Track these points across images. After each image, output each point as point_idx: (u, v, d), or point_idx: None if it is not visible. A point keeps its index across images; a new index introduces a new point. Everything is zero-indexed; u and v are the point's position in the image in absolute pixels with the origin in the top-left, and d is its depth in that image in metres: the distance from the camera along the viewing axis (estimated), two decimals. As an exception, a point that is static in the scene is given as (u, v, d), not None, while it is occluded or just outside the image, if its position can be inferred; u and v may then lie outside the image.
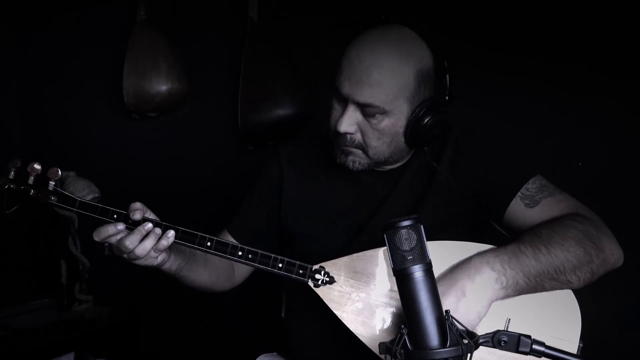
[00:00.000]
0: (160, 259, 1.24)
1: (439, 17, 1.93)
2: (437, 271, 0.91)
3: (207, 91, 2.28)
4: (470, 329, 1.06)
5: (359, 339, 1.19)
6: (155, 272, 1.37)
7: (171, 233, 1.21)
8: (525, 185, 1.27)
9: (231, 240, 1.43)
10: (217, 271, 1.43)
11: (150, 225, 1.21)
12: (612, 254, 1.19)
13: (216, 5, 2.26)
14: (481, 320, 1.13)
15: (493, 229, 1.34)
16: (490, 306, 1.13)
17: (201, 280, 1.40)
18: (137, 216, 1.21)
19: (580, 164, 1.85)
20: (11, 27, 2.44)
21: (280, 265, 1.24)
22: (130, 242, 1.18)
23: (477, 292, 1.11)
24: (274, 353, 1.53)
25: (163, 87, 2.15)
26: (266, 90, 2.08)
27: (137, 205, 1.22)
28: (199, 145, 2.31)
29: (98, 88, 2.38)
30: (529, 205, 1.26)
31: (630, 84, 1.80)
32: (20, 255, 2.41)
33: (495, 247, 1.18)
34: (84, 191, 2.04)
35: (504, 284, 1.12)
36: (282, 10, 2.17)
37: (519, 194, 1.26)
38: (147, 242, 1.19)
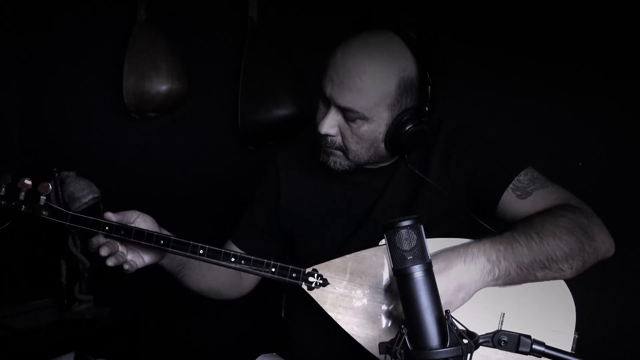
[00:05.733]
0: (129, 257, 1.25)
1: (441, 17, 1.93)
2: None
3: (207, 91, 2.28)
4: (451, 309, 1.07)
5: (356, 341, 1.19)
6: (155, 272, 1.37)
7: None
8: (517, 177, 1.27)
9: (237, 250, 1.42)
10: (220, 275, 1.42)
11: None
12: (604, 243, 1.20)
13: (216, 5, 2.26)
14: (463, 304, 1.13)
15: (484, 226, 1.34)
16: (474, 293, 1.14)
17: (206, 283, 1.40)
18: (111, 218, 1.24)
19: (580, 164, 1.85)
20: (11, 27, 2.43)
21: (273, 269, 1.23)
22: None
23: (467, 280, 1.12)
24: (274, 353, 1.53)
25: (163, 87, 2.15)
26: (266, 91, 2.08)
27: (108, 215, 1.24)
28: (199, 145, 2.31)
29: (98, 88, 2.38)
30: (520, 197, 1.26)
31: (630, 84, 1.80)
32: (20, 255, 2.40)
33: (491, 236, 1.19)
34: (84, 191, 2.04)
35: (496, 276, 1.13)
36: (282, 10, 2.17)
37: (511, 185, 1.27)
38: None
